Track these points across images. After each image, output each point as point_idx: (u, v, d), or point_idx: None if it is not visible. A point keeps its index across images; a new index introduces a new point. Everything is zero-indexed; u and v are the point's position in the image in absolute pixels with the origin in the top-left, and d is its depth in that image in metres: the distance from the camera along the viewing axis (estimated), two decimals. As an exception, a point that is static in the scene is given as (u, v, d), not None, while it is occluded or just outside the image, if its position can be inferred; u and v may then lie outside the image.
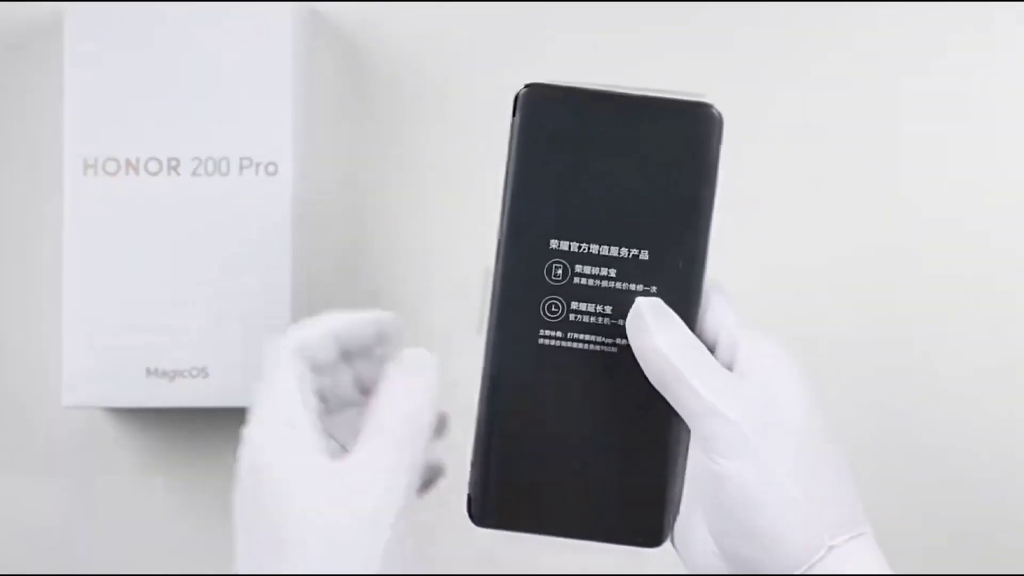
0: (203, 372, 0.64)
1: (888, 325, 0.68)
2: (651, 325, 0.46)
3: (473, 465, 0.48)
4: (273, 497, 0.43)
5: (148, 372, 0.64)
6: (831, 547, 0.43)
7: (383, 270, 0.69)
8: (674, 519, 0.48)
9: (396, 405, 0.45)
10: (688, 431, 0.46)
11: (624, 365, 0.47)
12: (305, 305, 0.67)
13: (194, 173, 0.64)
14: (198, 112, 0.64)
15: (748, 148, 0.68)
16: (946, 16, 0.68)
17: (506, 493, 0.48)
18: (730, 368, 0.46)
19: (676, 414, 0.46)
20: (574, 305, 0.47)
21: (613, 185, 0.47)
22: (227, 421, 0.68)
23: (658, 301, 0.46)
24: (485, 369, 0.47)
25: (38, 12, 0.68)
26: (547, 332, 0.47)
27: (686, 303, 0.47)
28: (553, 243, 0.47)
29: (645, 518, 0.47)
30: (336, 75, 0.69)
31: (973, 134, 0.68)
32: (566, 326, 0.47)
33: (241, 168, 0.64)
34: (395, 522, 0.43)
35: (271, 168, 0.64)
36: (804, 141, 0.68)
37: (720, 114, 0.47)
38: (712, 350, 0.47)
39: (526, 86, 0.47)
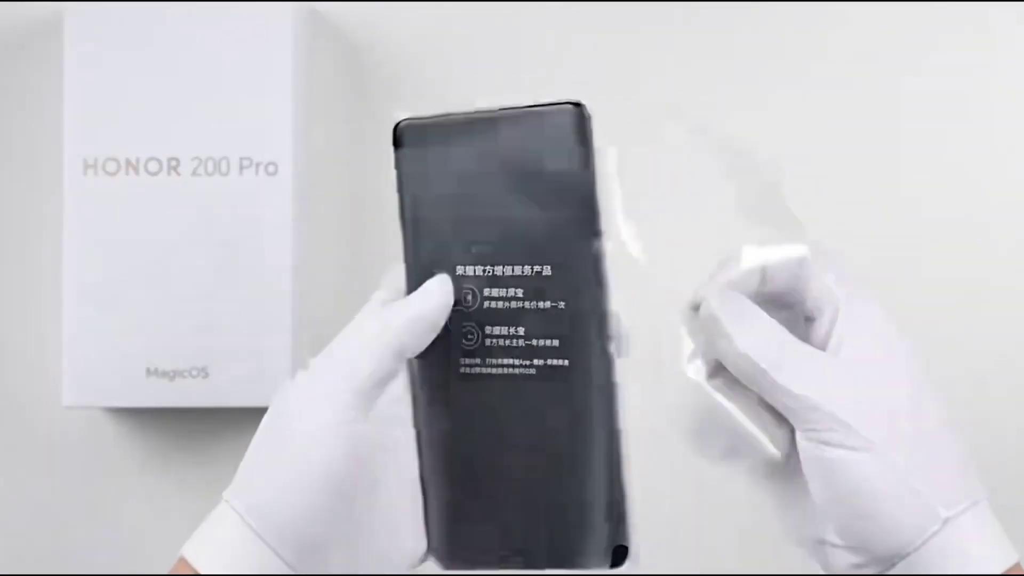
0: (203, 372, 0.64)
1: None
2: (727, 328, 0.45)
3: (424, 507, 0.47)
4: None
5: (148, 372, 0.64)
6: (946, 519, 0.43)
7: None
8: (627, 536, 0.45)
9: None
10: (619, 443, 0.45)
11: (544, 386, 0.45)
12: (305, 305, 0.67)
13: (194, 173, 0.64)
14: (198, 112, 0.64)
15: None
16: (945, 16, 0.68)
17: (456, 532, 0.46)
18: (827, 343, 0.45)
19: (603, 430, 0.45)
20: (488, 330, 0.46)
21: (501, 205, 0.46)
22: (227, 421, 0.68)
23: (728, 293, 0.46)
24: (415, 408, 0.46)
25: (38, 12, 0.68)
26: (467, 360, 0.46)
27: (596, 311, 0.45)
28: (459, 270, 0.46)
29: (595, 539, 0.45)
30: (336, 75, 0.69)
31: (973, 134, 0.68)
32: (483, 352, 0.46)
33: (241, 168, 0.64)
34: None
35: (271, 168, 0.64)
36: (804, 141, 0.68)
37: (584, 110, 0.45)
38: (814, 320, 0.46)
39: (398, 124, 0.47)
